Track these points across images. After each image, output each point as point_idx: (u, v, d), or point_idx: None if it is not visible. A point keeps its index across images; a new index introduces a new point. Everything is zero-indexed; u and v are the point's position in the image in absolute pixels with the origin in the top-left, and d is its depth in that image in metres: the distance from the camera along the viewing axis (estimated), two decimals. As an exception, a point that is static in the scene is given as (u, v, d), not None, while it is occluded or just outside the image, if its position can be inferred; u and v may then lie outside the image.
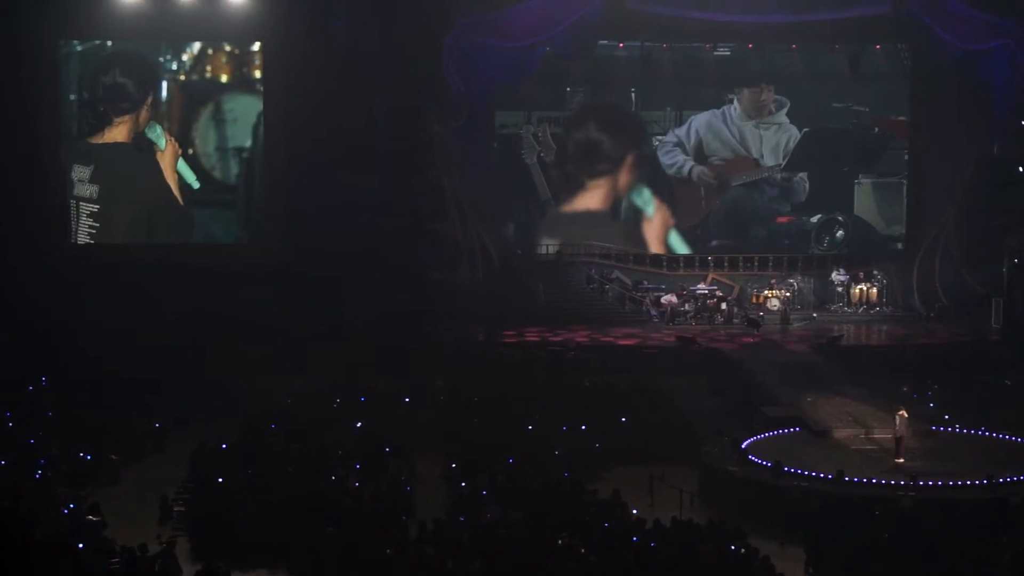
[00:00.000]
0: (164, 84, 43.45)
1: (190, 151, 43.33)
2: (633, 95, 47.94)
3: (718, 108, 47.89)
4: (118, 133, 42.84)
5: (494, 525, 24.41)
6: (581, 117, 47.31)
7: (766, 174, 47.99)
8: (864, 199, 48.93)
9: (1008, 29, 42.05)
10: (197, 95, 43.64)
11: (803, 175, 48.05)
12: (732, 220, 48.28)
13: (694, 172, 47.75)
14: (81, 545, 23.03)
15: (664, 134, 48.00)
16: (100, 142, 42.91)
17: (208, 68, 43.90)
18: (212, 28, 42.66)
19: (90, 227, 43.12)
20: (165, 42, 43.28)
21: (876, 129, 48.74)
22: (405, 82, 41.80)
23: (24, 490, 26.44)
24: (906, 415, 29.61)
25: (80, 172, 42.89)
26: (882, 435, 30.82)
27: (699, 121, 47.89)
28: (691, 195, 48.11)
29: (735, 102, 47.85)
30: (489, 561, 22.45)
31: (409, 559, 22.77)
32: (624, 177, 47.43)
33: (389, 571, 22.48)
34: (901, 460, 29.00)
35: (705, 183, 47.91)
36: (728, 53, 47.52)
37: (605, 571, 22.13)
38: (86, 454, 30.14)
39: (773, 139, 48.18)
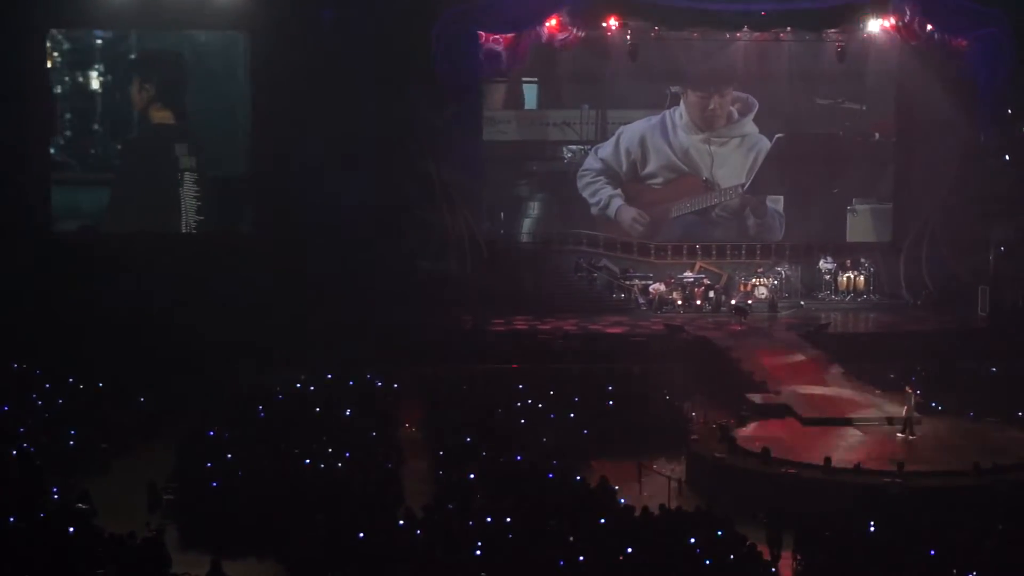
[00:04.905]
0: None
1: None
2: (536, 88, 41.83)
3: (656, 113, 42.13)
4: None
5: (482, 513, 24.47)
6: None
7: (718, 200, 44.67)
8: (861, 230, 43.79)
9: (994, 18, 41.95)
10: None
11: (775, 200, 45.29)
12: None
13: (622, 214, 43.12)
14: (71, 531, 23.05)
15: (582, 143, 42.17)
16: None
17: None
18: (199, 17, 42.52)
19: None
20: (151, 31, 43.14)
21: (877, 136, 44.52)
22: (393, 70, 41.73)
23: (12, 478, 26.43)
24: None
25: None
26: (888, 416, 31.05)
27: (630, 134, 42.64)
28: (619, 232, 43.13)
29: (681, 104, 42.73)
30: (478, 548, 22.52)
31: (398, 546, 22.82)
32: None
33: (378, 558, 22.52)
34: (911, 437, 29.48)
35: (636, 230, 43.31)
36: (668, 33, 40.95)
37: (593, 558, 22.20)
38: (76, 442, 30.12)
39: (733, 158, 44.10)
